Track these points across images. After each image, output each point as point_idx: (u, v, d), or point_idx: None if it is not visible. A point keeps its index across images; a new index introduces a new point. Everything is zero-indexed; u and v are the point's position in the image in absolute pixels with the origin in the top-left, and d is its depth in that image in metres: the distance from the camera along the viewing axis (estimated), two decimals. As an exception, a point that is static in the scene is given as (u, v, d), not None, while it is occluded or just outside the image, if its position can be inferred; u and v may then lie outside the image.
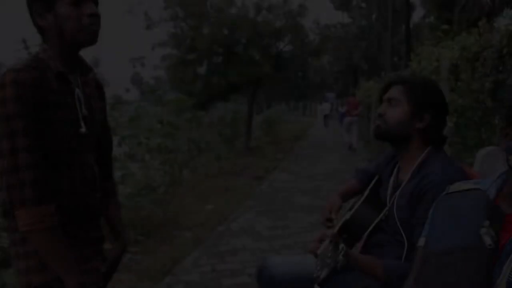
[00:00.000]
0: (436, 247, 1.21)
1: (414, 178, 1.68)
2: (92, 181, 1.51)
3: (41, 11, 1.39)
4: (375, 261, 1.62)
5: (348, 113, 13.81)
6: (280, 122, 23.71)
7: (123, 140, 6.83)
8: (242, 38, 14.74)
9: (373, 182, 2.04)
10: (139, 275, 4.04)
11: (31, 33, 1.59)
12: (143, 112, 7.33)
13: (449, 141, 4.50)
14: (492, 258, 1.08)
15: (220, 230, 5.25)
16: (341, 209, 2.04)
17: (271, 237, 4.89)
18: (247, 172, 10.32)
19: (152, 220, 5.95)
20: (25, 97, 1.29)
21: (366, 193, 1.93)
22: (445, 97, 1.78)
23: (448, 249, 1.16)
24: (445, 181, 1.54)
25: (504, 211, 1.16)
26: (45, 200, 1.31)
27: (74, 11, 1.38)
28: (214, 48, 14.42)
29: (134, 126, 7.44)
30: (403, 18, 34.92)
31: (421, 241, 1.27)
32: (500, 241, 1.09)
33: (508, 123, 1.16)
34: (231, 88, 14.81)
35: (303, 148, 15.16)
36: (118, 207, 1.77)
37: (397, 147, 1.82)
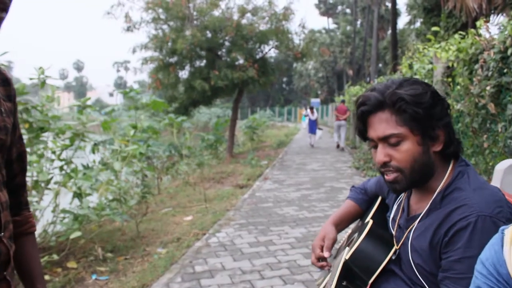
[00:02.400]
0: None
1: (436, 210, 1.23)
2: None
3: None
4: None
5: (337, 118, 15.71)
6: (264, 128, 23.31)
7: (95, 147, 6.37)
8: (225, 41, 14.36)
9: (374, 207, 1.61)
10: (103, 301, 3.57)
11: None
12: (118, 116, 6.83)
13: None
14: None
15: (198, 246, 4.79)
16: (336, 243, 1.61)
17: (253, 255, 4.44)
18: (230, 180, 9.89)
19: (124, 234, 5.48)
20: None
21: (368, 224, 1.47)
22: (437, 91, 1.29)
23: None
24: (485, 217, 1.11)
25: None
26: None
27: None
28: (197, 51, 14.01)
29: (108, 131, 6.98)
30: (388, 24, 34.93)
31: None
32: None
33: None
34: (214, 92, 14.39)
35: (288, 154, 14.75)
36: (33, 250, 1.28)
37: (420, 185, 1.31)
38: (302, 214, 6.19)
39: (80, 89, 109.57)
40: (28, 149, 4.65)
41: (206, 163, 12.09)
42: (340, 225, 1.65)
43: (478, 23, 4.89)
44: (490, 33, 4.53)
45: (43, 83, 4.83)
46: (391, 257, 1.34)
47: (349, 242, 1.58)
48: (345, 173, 10.28)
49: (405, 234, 1.31)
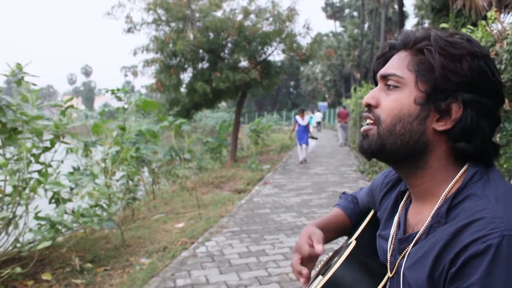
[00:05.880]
0: None
1: (440, 226, 0.83)
2: None
3: None
4: None
5: (339, 122, 18.29)
6: (270, 132, 22.92)
7: (86, 149, 6.03)
8: (228, 43, 14.05)
9: (363, 223, 1.22)
10: (71, 319, 3.21)
11: None
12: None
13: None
14: None
15: (184, 256, 4.41)
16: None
17: (241, 267, 4.06)
18: (230, 184, 9.52)
19: (109, 243, 5.13)
20: None
21: (349, 246, 1.08)
22: (496, 71, 0.85)
23: None
24: (510, 236, 0.72)
25: None
26: None
27: None
28: (198, 53, 13.70)
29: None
30: (396, 26, 34.51)
31: None
32: None
33: None
34: (216, 95, 14.07)
35: (292, 158, 14.36)
36: None
37: (403, 169, 0.94)
38: (300, 221, 5.80)
39: (88, 93, 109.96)
40: (0, 151, 4.32)
41: (205, 167, 11.74)
42: (324, 233, 1.19)
43: (489, 14, 4.49)
44: (502, 24, 4.14)
45: (19, 81, 4.51)
46: None
47: (325, 269, 1.18)
48: (349, 177, 9.86)
49: (398, 261, 0.92)
